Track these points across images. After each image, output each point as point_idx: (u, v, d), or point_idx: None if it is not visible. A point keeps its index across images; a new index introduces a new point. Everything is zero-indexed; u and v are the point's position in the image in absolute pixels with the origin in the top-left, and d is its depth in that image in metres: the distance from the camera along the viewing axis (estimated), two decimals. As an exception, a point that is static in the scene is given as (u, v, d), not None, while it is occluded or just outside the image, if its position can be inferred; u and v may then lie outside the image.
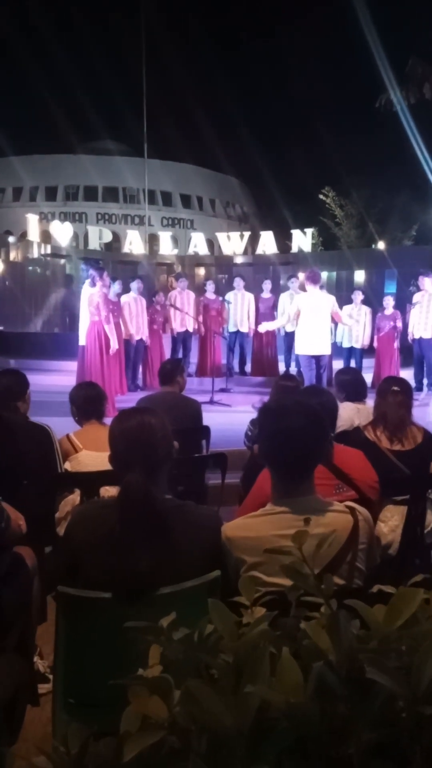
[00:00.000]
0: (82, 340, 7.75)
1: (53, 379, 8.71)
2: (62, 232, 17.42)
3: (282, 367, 11.13)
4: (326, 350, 7.63)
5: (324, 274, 8.13)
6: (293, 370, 10.81)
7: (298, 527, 1.03)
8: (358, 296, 10.18)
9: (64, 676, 1.62)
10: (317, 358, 7.48)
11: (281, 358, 11.19)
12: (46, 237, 17.61)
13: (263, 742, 0.62)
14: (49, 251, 17.10)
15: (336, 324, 8.64)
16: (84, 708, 1.57)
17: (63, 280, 17.35)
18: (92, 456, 3.13)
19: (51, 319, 16.56)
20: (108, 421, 2.39)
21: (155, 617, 0.89)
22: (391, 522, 2.88)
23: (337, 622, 0.69)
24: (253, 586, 0.92)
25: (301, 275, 12.60)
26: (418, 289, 9.58)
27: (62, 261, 17.62)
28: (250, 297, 10.78)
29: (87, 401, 3.40)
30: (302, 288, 10.48)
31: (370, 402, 4.07)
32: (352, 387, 3.89)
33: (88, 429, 3.34)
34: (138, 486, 1.60)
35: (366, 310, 10.19)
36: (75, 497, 3.06)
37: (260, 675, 0.65)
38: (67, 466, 3.19)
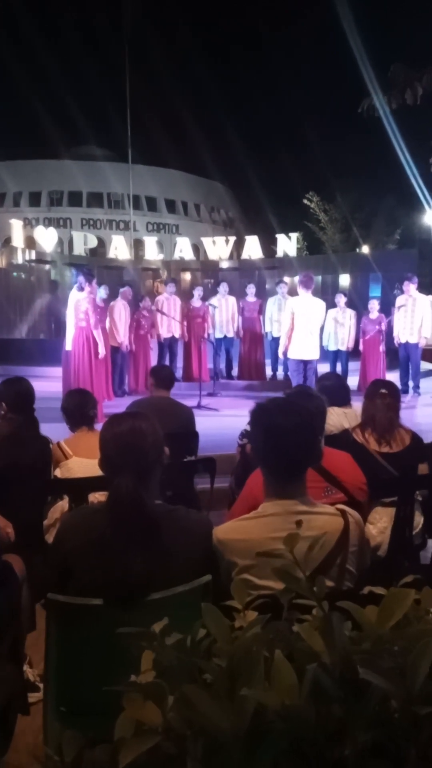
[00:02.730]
0: (69, 346, 7.71)
1: (39, 386, 8.60)
2: (47, 238, 17.34)
3: (269, 372, 11.17)
4: (315, 355, 7.68)
5: (310, 279, 8.18)
6: (280, 374, 10.86)
7: (289, 530, 1.03)
8: (341, 299, 10.25)
9: (56, 684, 1.61)
10: (306, 363, 7.52)
11: (268, 362, 11.23)
12: (30, 243, 17.51)
13: (260, 745, 0.62)
14: (33, 257, 17.01)
15: (322, 328, 8.69)
16: (76, 716, 1.56)
17: (48, 285, 17.25)
18: (82, 463, 3.12)
19: (36, 325, 16.46)
20: (98, 427, 2.39)
21: (147, 622, 0.88)
22: (380, 524, 2.90)
23: (330, 624, 0.70)
24: (245, 589, 0.92)
25: (288, 279, 12.68)
26: (402, 293, 9.67)
27: (47, 267, 17.54)
28: (233, 301, 10.82)
29: (78, 408, 3.40)
30: (290, 293, 10.54)
31: (355, 405, 4.10)
32: (336, 392, 3.91)
33: (78, 436, 3.33)
34: (128, 490, 1.60)
35: (351, 313, 10.26)
36: (63, 504, 3.05)
37: (255, 678, 0.66)
38: (57, 473, 3.18)
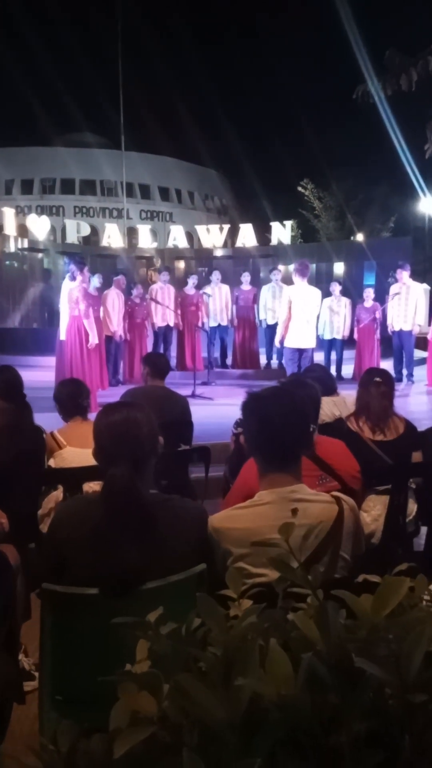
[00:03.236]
0: (63, 335, 7.68)
1: (32, 375, 8.59)
2: (39, 226, 17.18)
3: (263, 360, 11.16)
4: (311, 343, 7.68)
5: (306, 267, 8.16)
6: (275, 363, 10.86)
7: (285, 518, 1.03)
8: (336, 288, 10.23)
9: (51, 673, 1.61)
10: (301, 351, 7.53)
11: (263, 351, 11.22)
12: (22, 231, 17.34)
13: (255, 734, 0.62)
14: (26, 245, 16.85)
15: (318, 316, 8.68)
16: (72, 705, 1.57)
17: (41, 274, 17.13)
18: (76, 452, 3.11)
19: (29, 314, 16.35)
20: (92, 417, 2.38)
21: (142, 612, 0.88)
22: (374, 511, 2.91)
23: (326, 613, 0.70)
24: (240, 578, 0.92)
25: (282, 267, 12.63)
26: (396, 281, 9.66)
27: (40, 255, 17.40)
28: (227, 289, 10.78)
29: (70, 398, 3.38)
30: (284, 281, 10.51)
31: (343, 392, 4.11)
32: (322, 383, 3.92)
33: (72, 426, 3.33)
34: (123, 479, 1.59)
35: (346, 302, 10.25)
36: (58, 494, 3.05)
37: (250, 667, 0.66)
38: (51, 462, 3.18)
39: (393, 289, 9.64)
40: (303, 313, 7.45)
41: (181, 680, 0.66)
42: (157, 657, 0.81)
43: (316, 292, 7.79)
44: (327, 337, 10.14)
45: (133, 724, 0.69)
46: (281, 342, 7.75)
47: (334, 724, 0.63)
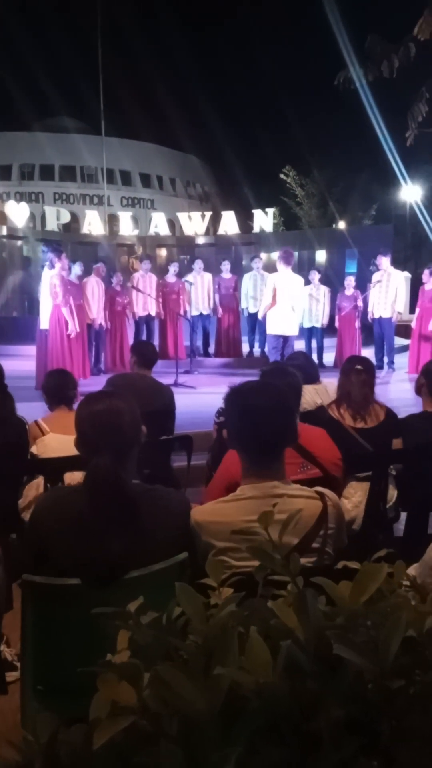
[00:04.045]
0: (44, 324, 7.61)
1: (12, 364, 8.51)
2: (18, 213, 16.90)
3: (246, 348, 11.17)
4: (294, 331, 7.71)
5: (288, 255, 8.16)
6: (257, 351, 10.88)
7: (266, 511, 1.03)
8: (315, 276, 10.26)
9: (33, 663, 1.61)
10: (285, 339, 7.55)
11: (245, 339, 11.22)
12: (1, 218, 17.07)
13: (235, 722, 0.62)
14: (4, 233, 16.58)
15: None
16: (54, 695, 1.57)
17: (20, 262, 16.92)
18: (59, 438, 3.10)
19: (9, 302, 16.16)
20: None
21: (124, 601, 0.88)
22: (355, 498, 2.94)
23: (304, 600, 0.70)
24: (221, 568, 0.92)
25: (264, 255, 12.61)
26: (378, 269, 9.70)
27: (19, 243, 17.15)
28: (209, 278, 10.75)
29: (58, 388, 3.38)
30: (266, 269, 10.51)
31: (324, 380, 4.14)
32: (304, 371, 3.94)
33: (56, 415, 3.33)
34: (106, 469, 1.59)
35: (325, 290, 10.29)
36: (39, 482, 3.03)
37: (229, 656, 0.66)
38: (33, 449, 3.17)
39: (375, 277, 9.68)
40: (287, 300, 7.46)
41: (160, 670, 0.66)
42: (138, 646, 0.81)
43: (300, 280, 7.82)
44: (306, 325, 10.17)
45: (113, 714, 0.69)
46: (261, 325, 7.82)
47: (313, 711, 0.64)
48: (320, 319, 10.22)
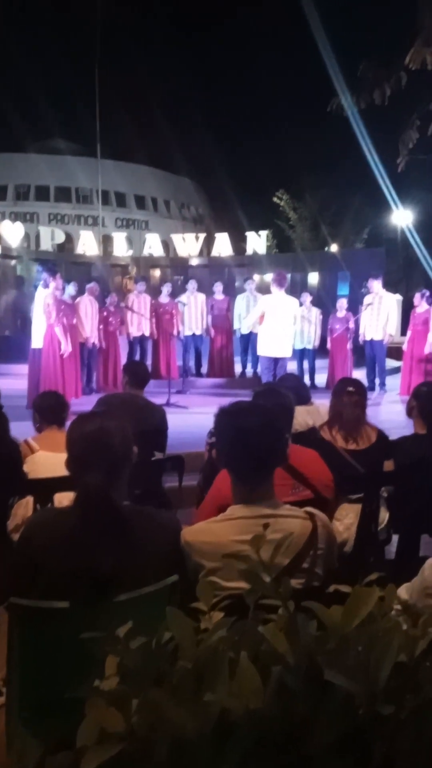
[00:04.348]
0: (37, 343, 7.61)
1: (4, 383, 8.49)
2: (13, 233, 16.96)
3: (238, 368, 11.20)
4: (288, 353, 7.75)
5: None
6: (249, 371, 10.91)
7: (257, 532, 1.03)
8: (307, 298, 10.38)
9: (19, 688, 1.58)
10: (277, 360, 7.58)
11: (237, 359, 11.25)
12: (-4, 237, 17.13)
13: (224, 748, 0.62)
14: (-1, 252, 16.67)
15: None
16: (41, 720, 1.53)
17: (14, 281, 16.93)
18: (48, 456, 3.09)
19: (2, 321, 16.15)
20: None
21: (114, 624, 0.87)
22: (346, 520, 2.93)
23: (295, 625, 0.70)
24: (212, 591, 0.91)
25: (258, 277, 12.71)
26: (369, 292, 9.80)
27: (13, 262, 17.18)
28: (202, 298, 10.82)
29: (52, 410, 3.38)
30: (259, 290, 10.60)
31: (317, 401, 4.15)
32: (295, 392, 3.96)
33: (47, 434, 3.32)
34: (97, 488, 1.58)
35: (316, 312, 10.41)
36: (27, 501, 3.00)
37: (219, 682, 0.65)
38: (23, 467, 3.15)
39: (366, 299, 9.78)
40: (278, 323, 7.50)
41: (149, 696, 0.65)
42: (127, 671, 0.80)
43: (293, 302, 7.88)
44: (298, 346, 10.23)
45: (101, 741, 0.68)
46: (254, 345, 7.93)
47: (303, 735, 0.63)
48: (312, 341, 10.31)
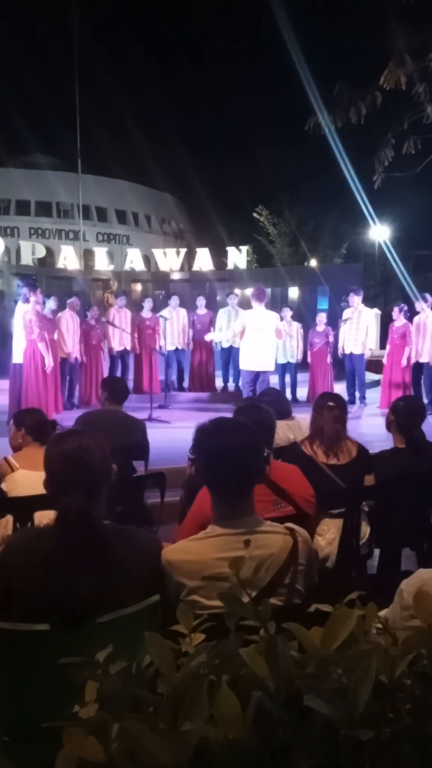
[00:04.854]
0: (17, 358, 7.54)
1: (-16, 399, 8.40)
2: (-7, 247, 16.90)
3: (219, 383, 11.21)
4: (269, 366, 7.79)
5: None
6: (231, 385, 10.92)
7: (238, 549, 1.03)
8: (287, 313, 10.46)
9: (-2, 713, 1.55)
10: (258, 374, 7.61)
11: (219, 374, 11.27)
12: (-24, 252, 17.02)
13: (203, 778, 0.61)
14: (-21, 266, 16.57)
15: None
16: (19, 746, 1.50)
17: (-6, 296, 16.83)
18: (29, 475, 3.05)
19: (-19, 336, 16.02)
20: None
21: (94, 646, 0.86)
22: (328, 535, 2.93)
23: (275, 648, 0.69)
24: (192, 613, 0.91)
25: (239, 291, 12.78)
26: (349, 306, 9.91)
27: (-7, 276, 17.12)
28: (184, 313, 10.85)
29: (37, 427, 3.33)
30: (241, 305, 10.66)
31: (298, 416, 4.17)
32: (276, 406, 3.98)
33: (27, 451, 3.27)
34: (78, 509, 1.57)
35: (297, 326, 10.49)
36: (7, 520, 2.96)
37: (198, 708, 0.64)
38: (2, 486, 3.10)
39: (345, 314, 9.88)
40: (259, 337, 7.55)
41: (128, 725, 0.64)
42: (106, 697, 0.78)
43: (274, 316, 7.93)
44: (281, 360, 10.29)
45: (79, 771, 0.67)
46: (235, 360, 8.03)
47: (283, 761, 0.63)
48: (294, 355, 10.38)
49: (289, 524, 1.77)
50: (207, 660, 0.74)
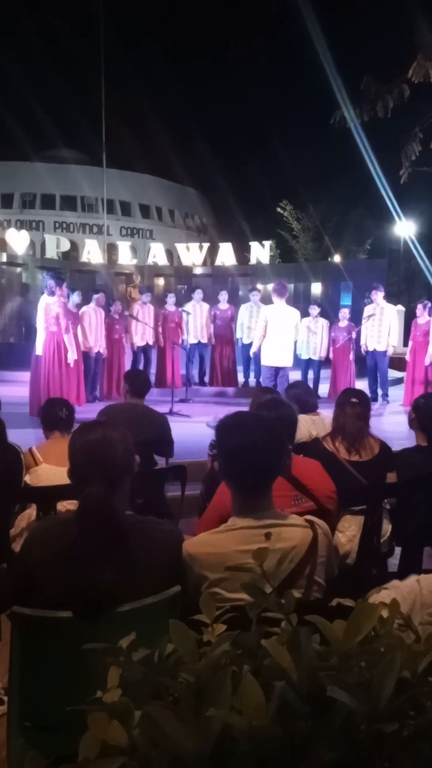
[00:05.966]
0: (39, 350, 7.62)
1: (8, 390, 8.52)
2: (18, 240, 17.06)
3: (241, 378, 11.20)
4: (288, 362, 7.76)
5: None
6: (252, 381, 10.91)
7: (259, 542, 1.03)
8: (314, 310, 10.42)
9: (20, 698, 1.57)
10: (278, 370, 7.59)
11: (240, 369, 11.26)
12: (1, 245, 17.21)
13: (225, 765, 0.61)
14: (4, 259, 16.72)
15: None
16: (42, 731, 1.53)
17: (19, 289, 17.01)
18: (51, 470, 3.08)
19: (6, 328, 16.20)
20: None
21: (115, 636, 0.87)
22: (349, 532, 2.92)
23: (298, 640, 0.70)
24: (214, 603, 0.91)
25: (261, 286, 12.75)
26: (372, 303, 9.82)
27: (18, 270, 17.27)
28: (207, 307, 10.86)
29: (48, 413, 3.36)
30: (263, 301, 10.63)
31: (322, 412, 4.15)
32: (301, 400, 3.96)
33: (51, 442, 3.30)
34: (98, 499, 1.58)
35: (323, 323, 10.42)
36: (31, 512, 3.00)
37: (221, 697, 0.65)
38: (27, 479, 3.14)
39: (367, 310, 9.80)
40: (279, 333, 7.53)
41: (150, 710, 0.65)
42: (128, 684, 0.79)
43: (294, 312, 7.89)
44: (304, 356, 10.26)
45: (102, 755, 0.68)
46: (256, 355, 7.87)
47: (304, 753, 0.63)
48: (318, 352, 10.33)
49: (309, 517, 1.77)
50: (229, 650, 0.75)
